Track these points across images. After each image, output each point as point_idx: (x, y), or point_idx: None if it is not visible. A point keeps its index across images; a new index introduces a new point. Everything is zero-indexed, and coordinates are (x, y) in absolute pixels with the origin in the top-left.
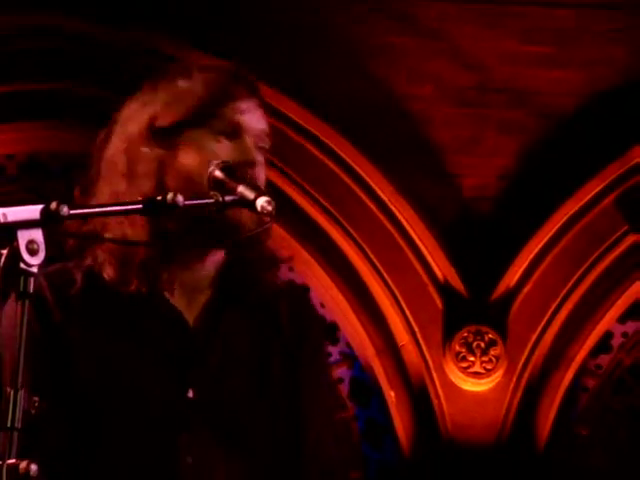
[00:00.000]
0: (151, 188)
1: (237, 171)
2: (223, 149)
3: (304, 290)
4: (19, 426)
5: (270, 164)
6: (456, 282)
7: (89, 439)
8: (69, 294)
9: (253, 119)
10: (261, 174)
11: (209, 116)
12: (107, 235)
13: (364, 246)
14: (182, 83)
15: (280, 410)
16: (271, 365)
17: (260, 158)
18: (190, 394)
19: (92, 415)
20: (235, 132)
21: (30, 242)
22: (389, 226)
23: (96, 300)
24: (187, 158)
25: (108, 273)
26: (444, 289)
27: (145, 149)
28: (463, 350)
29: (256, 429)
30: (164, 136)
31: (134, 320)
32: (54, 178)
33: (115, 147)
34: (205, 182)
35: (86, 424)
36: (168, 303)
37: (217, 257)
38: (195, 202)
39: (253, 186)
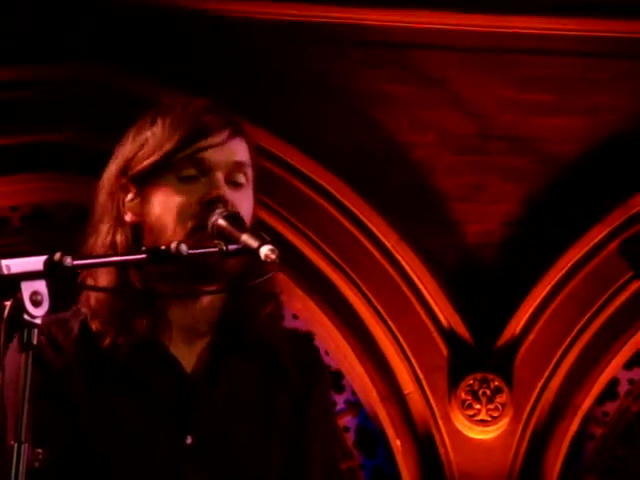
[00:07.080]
0: (128, 237)
1: (239, 219)
2: (191, 190)
3: (309, 336)
4: None
5: (275, 213)
6: (461, 329)
7: None
8: (67, 345)
9: (222, 153)
10: (242, 206)
11: (173, 159)
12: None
13: (368, 294)
14: (147, 130)
15: (283, 455)
16: (275, 409)
17: (234, 192)
18: (188, 440)
19: (94, 465)
20: (202, 170)
21: (34, 293)
22: (393, 274)
23: (93, 350)
24: (156, 205)
25: (95, 326)
26: (449, 336)
27: (120, 199)
28: (469, 398)
29: (259, 474)
30: (135, 185)
31: (131, 369)
32: (59, 229)
33: (99, 197)
34: (178, 228)
35: (88, 474)
36: (164, 349)
37: (214, 300)
38: (199, 251)
39: (257, 235)
